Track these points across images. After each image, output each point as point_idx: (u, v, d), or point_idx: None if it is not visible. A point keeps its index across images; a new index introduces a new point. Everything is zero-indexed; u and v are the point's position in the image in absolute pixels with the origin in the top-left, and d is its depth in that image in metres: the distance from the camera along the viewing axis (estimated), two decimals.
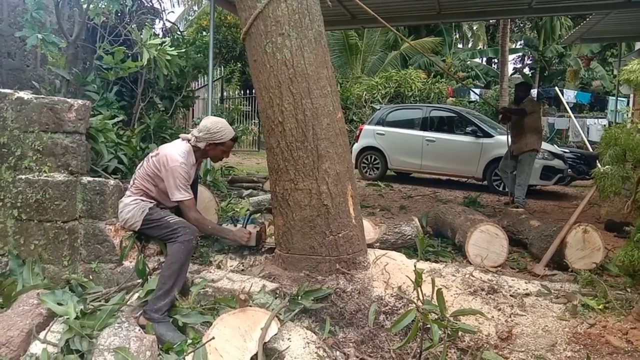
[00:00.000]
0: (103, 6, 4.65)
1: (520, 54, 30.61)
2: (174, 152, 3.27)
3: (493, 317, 3.06)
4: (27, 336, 2.71)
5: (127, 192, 3.37)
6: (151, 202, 3.33)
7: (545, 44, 26.51)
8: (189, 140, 3.37)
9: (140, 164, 3.43)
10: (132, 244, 3.41)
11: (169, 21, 6.60)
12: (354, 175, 3.54)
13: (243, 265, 3.57)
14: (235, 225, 3.72)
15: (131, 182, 3.39)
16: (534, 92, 21.42)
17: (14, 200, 3.37)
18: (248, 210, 4.63)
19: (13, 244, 3.39)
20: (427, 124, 10.30)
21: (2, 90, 3.45)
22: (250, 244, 3.61)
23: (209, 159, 3.87)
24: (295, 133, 3.19)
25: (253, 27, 3.22)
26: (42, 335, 2.72)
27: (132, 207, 3.29)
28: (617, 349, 2.75)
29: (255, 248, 3.67)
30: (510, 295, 3.31)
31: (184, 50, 5.49)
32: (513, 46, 27.52)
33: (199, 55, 6.15)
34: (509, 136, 7.50)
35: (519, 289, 3.43)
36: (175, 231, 3.16)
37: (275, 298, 2.99)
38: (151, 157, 3.36)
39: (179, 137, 3.49)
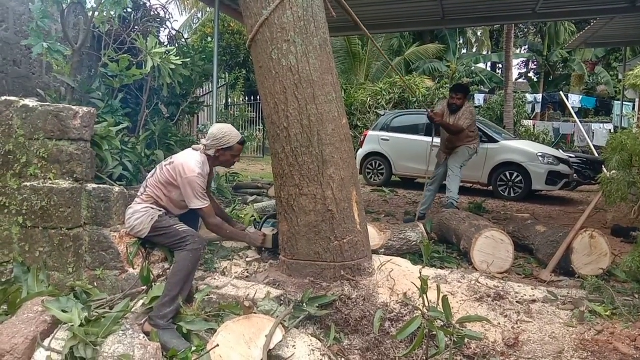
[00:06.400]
0: (106, 13, 4.67)
1: (525, 59, 30.58)
2: (191, 162, 3.28)
3: (499, 323, 3.03)
4: (32, 343, 2.71)
5: (137, 200, 3.38)
6: (160, 210, 3.34)
7: (550, 49, 26.48)
8: (201, 150, 3.39)
9: (153, 172, 3.44)
10: (137, 250, 3.40)
11: (174, 29, 6.63)
12: (358, 181, 3.54)
13: (248, 272, 3.56)
14: (257, 228, 3.84)
15: (141, 189, 3.40)
16: (538, 97, 21.38)
17: (19, 208, 3.37)
18: (252, 216, 4.64)
19: (18, 251, 3.40)
20: (431, 130, 10.27)
21: (8, 98, 3.47)
22: (266, 246, 3.70)
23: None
24: (300, 138, 3.19)
25: (259, 34, 3.24)
26: (46, 342, 2.72)
27: (141, 214, 3.29)
28: (626, 356, 2.72)
29: (272, 250, 3.71)
30: (517, 302, 3.28)
31: (189, 59, 5.51)
32: (517, 51, 27.50)
33: (204, 62, 6.17)
34: (440, 144, 6.59)
35: (525, 295, 3.40)
36: (184, 240, 3.17)
37: (280, 305, 2.98)
38: (165, 165, 3.38)
39: (185, 145, 3.51)
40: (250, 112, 17.86)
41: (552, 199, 9.46)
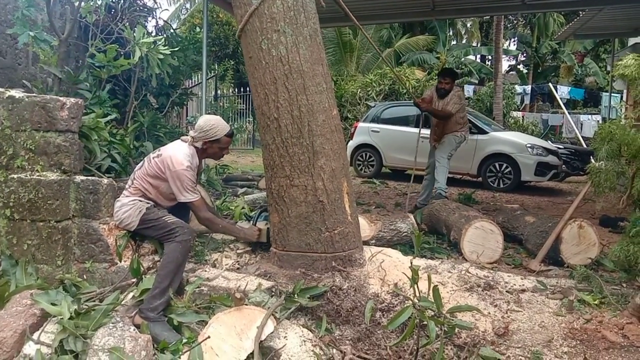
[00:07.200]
0: (92, 2, 4.60)
1: (514, 55, 30.61)
2: (179, 155, 3.24)
3: (489, 313, 3.05)
4: (21, 337, 2.69)
5: (125, 192, 3.35)
6: (148, 203, 3.31)
7: (539, 40, 26.58)
8: (189, 142, 3.36)
9: (140, 164, 3.40)
10: (126, 243, 3.38)
11: (162, 19, 6.56)
12: (349, 172, 3.53)
13: (238, 264, 3.55)
14: (250, 222, 3.76)
15: (129, 182, 3.37)
16: (527, 88, 21.47)
17: (6, 200, 3.33)
18: (243, 208, 4.62)
19: (6, 244, 3.36)
20: (421, 121, 10.28)
21: None
22: (261, 241, 3.66)
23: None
24: (290, 129, 3.18)
25: (249, 24, 3.21)
26: (35, 335, 2.70)
27: (129, 207, 3.26)
28: (614, 344, 2.75)
29: (266, 244, 3.68)
30: (507, 291, 3.31)
31: (177, 49, 5.45)
32: (507, 43, 27.57)
33: (193, 52, 6.11)
34: (430, 133, 6.57)
35: (515, 285, 3.43)
36: (173, 231, 3.15)
37: (271, 296, 2.98)
38: (152, 157, 3.33)
39: (174, 136, 3.47)
40: (240, 103, 17.78)
41: (541, 190, 9.54)
